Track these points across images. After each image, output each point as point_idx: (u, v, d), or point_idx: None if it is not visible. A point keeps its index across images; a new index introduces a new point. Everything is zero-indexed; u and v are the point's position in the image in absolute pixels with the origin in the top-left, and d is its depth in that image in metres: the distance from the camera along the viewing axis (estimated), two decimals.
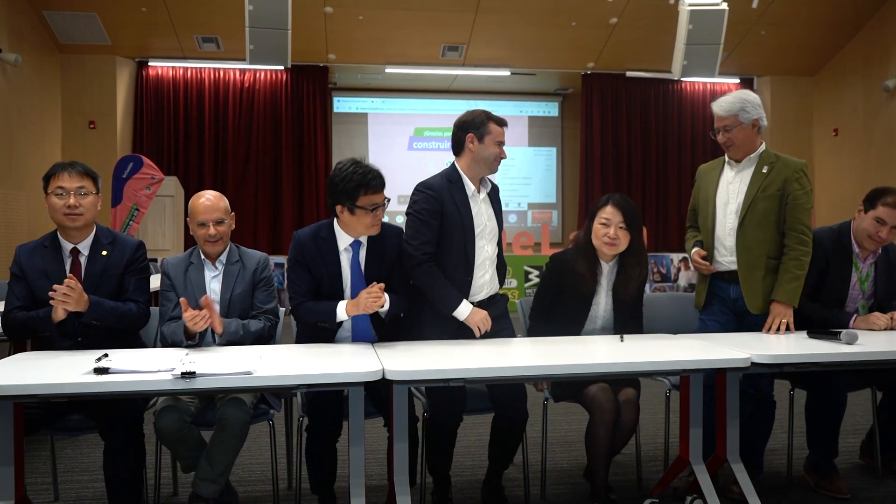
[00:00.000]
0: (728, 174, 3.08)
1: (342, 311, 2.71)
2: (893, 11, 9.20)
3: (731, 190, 3.05)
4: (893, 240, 3.09)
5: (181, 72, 10.35)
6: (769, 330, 2.90)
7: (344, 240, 2.79)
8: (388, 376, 2.21)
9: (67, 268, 2.68)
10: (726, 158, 3.11)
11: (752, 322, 3.00)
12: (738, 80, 10.97)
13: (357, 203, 2.65)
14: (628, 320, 2.99)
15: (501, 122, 2.90)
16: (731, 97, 3.02)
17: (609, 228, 2.86)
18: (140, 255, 2.78)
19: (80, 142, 9.36)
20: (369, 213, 2.67)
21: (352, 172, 2.66)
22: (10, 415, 2.19)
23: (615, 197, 2.93)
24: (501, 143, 2.87)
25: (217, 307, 2.79)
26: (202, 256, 2.89)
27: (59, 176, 2.64)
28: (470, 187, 2.87)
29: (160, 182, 8.77)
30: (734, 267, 3.01)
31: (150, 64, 10.20)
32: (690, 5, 7.50)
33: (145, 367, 2.15)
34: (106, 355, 2.26)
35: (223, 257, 2.89)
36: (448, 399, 2.72)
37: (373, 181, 2.66)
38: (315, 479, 2.87)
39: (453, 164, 2.92)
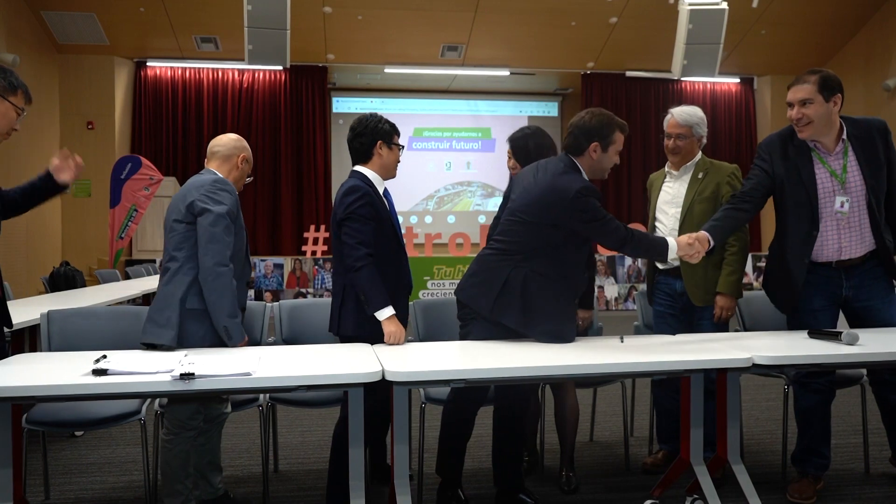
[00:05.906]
0: (668, 181, 3.36)
1: (385, 314, 2.63)
2: (894, 11, 9.20)
3: (671, 195, 3.32)
4: (808, 114, 3.09)
5: (179, 72, 10.35)
6: (718, 319, 3.13)
7: (380, 185, 2.86)
8: (389, 377, 2.20)
9: None
10: (667, 167, 3.37)
11: (701, 315, 3.19)
12: (738, 80, 10.98)
13: (394, 140, 2.92)
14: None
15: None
16: (690, 110, 3.29)
17: None
18: None
19: (79, 142, 9.35)
20: (399, 150, 2.94)
21: (384, 119, 2.95)
22: (9, 416, 2.18)
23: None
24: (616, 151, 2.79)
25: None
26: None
27: (25, 95, 2.51)
28: None
29: (159, 182, 8.77)
30: (677, 264, 3.15)
31: (148, 64, 10.20)
32: (690, 5, 7.50)
33: (144, 368, 2.14)
34: (105, 356, 2.25)
35: None
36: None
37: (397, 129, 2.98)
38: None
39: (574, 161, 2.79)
